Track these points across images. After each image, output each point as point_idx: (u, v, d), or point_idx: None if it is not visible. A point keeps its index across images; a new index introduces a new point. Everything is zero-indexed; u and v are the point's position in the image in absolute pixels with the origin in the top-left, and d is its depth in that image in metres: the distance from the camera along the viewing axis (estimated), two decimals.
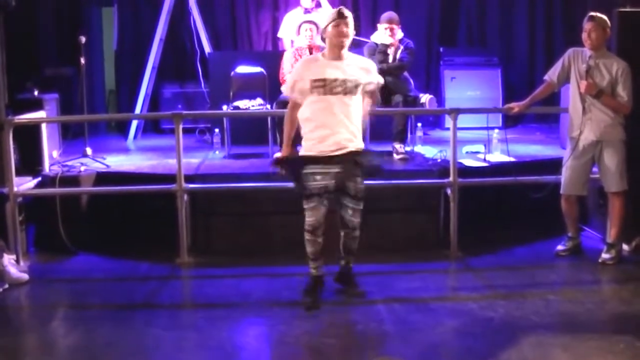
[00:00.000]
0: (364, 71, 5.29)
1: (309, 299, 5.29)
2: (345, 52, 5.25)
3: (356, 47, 9.31)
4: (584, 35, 6.02)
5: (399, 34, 7.64)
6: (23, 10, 8.75)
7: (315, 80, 5.12)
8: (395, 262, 6.23)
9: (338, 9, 5.28)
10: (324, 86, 5.10)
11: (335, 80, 5.11)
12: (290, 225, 6.51)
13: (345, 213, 5.28)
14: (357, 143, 5.21)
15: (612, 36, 6.19)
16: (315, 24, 7.77)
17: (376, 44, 7.63)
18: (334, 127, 5.12)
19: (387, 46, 7.59)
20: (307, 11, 8.67)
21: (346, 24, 5.16)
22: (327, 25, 5.19)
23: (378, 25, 7.75)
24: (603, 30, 6.00)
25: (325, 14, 5.21)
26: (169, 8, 9.29)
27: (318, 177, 5.12)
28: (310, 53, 7.66)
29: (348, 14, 5.21)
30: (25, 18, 9.34)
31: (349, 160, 5.15)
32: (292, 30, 8.46)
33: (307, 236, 5.26)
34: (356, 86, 5.18)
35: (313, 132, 5.17)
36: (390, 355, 4.48)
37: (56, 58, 9.76)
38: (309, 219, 5.21)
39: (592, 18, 6.00)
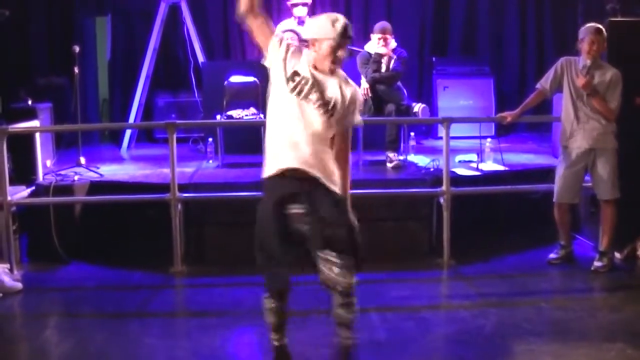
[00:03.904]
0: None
1: None
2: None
3: (349, 56, 9.39)
4: (587, 46, 6.01)
5: (393, 43, 7.69)
6: (17, 20, 8.80)
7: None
8: (388, 270, 6.24)
9: (344, 24, 3.96)
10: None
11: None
12: None
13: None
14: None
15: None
16: (295, 32, 7.82)
17: (370, 54, 7.67)
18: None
19: (381, 56, 7.63)
20: (300, 21, 8.70)
21: (345, 45, 4.02)
22: (322, 39, 3.96)
23: (372, 35, 7.79)
24: (604, 42, 6.05)
25: (320, 20, 4.00)
26: (162, 18, 9.31)
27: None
28: None
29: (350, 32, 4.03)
30: (19, 27, 9.37)
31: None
32: None
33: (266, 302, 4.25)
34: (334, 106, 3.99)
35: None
36: None
37: (50, 67, 9.77)
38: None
39: (599, 30, 6.02)
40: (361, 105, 4.46)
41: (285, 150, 4.00)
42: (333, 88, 4.00)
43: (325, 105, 3.97)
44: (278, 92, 4.09)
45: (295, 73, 4.02)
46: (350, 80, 4.15)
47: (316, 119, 3.96)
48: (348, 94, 4.03)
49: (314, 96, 3.97)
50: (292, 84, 4.01)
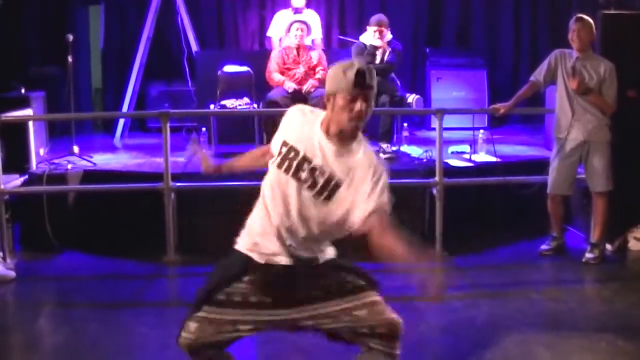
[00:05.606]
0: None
1: None
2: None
3: (343, 47, 9.39)
4: (572, 36, 6.06)
5: (388, 36, 7.70)
6: (9, 8, 8.76)
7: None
8: (380, 260, 6.24)
9: (357, 71, 3.12)
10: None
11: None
12: None
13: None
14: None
15: (597, 38, 6.25)
16: (306, 23, 7.81)
17: (365, 45, 7.68)
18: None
19: (375, 48, 7.64)
20: (297, 11, 8.68)
21: (365, 97, 3.17)
22: (335, 92, 3.18)
23: (367, 27, 7.79)
24: (590, 32, 6.06)
25: (332, 71, 3.22)
26: (156, 6, 9.26)
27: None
28: (298, 53, 7.70)
29: (372, 77, 3.18)
30: (12, 16, 9.32)
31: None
32: (281, 29, 8.48)
33: None
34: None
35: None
36: None
37: (43, 56, 9.72)
38: (187, 334, 3.52)
39: (580, 19, 6.05)
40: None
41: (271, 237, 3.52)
42: (342, 161, 3.27)
43: (321, 185, 3.26)
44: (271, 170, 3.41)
45: (284, 143, 3.31)
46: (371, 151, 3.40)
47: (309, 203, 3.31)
48: (364, 168, 3.35)
49: (304, 174, 3.25)
50: (278, 158, 3.32)
